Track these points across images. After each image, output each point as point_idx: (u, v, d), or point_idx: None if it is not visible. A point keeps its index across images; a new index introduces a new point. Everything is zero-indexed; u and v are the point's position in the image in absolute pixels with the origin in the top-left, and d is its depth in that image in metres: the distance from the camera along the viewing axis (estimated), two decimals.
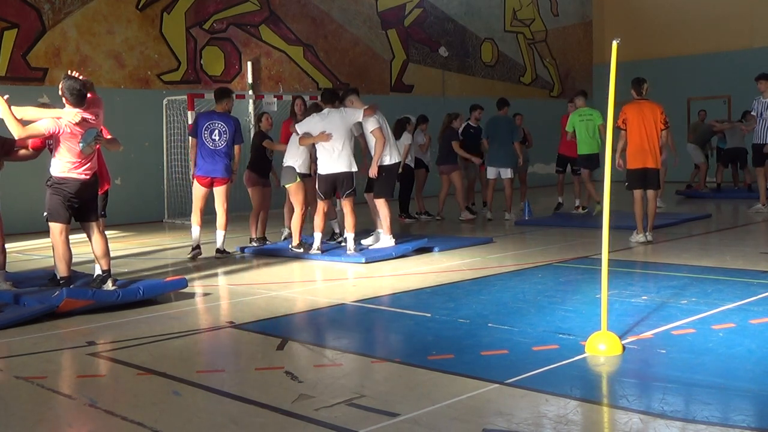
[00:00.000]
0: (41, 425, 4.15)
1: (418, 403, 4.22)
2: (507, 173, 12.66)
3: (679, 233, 10.73)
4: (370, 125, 9.36)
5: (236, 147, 9.42)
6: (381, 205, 9.52)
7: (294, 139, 9.44)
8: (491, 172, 12.78)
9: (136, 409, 4.27)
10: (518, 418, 3.99)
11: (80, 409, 4.35)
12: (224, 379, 4.80)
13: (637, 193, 9.79)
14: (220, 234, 9.53)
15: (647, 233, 9.75)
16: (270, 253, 9.72)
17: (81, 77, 6.78)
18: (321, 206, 9.25)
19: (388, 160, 9.44)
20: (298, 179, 9.53)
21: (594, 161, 12.50)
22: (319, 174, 9.16)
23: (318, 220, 9.28)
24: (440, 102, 18.09)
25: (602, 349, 4.97)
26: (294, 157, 9.52)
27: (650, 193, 9.83)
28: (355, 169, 9.11)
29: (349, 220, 9.13)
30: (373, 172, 9.37)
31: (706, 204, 14.81)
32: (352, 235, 9.15)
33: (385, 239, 9.53)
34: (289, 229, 10.67)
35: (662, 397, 4.24)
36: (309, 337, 5.99)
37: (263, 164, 10.21)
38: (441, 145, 12.82)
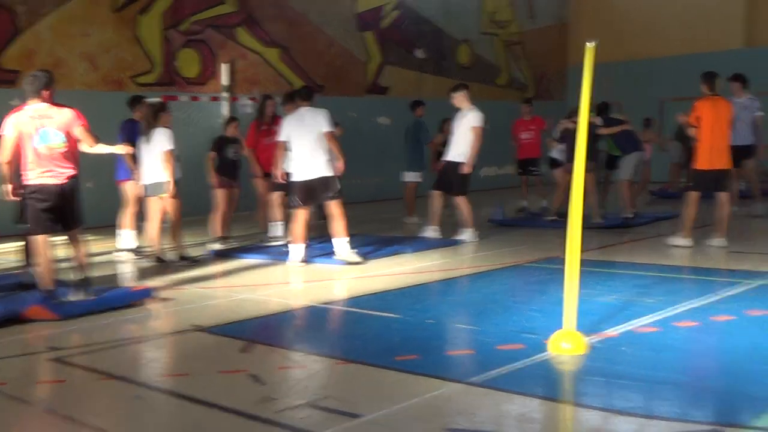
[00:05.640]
0: None
1: (381, 403, 4.22)
2: (406, 177, 12.91)
3: (648, 233, 10.79)
4: (474, 122, 10.03)
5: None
6: (462, 202, 10.24)
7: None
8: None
9: (96, 415, 4.25)
10: (480, 417, 4.00)
11: (38, 416, 4.32)
12: (188, 383, 4.77)
13: (697, 195, 9.34)
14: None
15: (718, 238, 9.30)
16: (237, 256, 9.66)
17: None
18: (300, 215, 8.83)
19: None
20: None
21: None
22: (292, 181, 8.84)
23: (298, 230, 8.81)
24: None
25: (566, 347, 5.00)
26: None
27: (723, 195, 9.28)
28: (332, 173, 8.76)
29: (338, 225, 8.76)
30: (467, 169, 10.09)
31: (678, 203, 14.86)
32: (344, 239, 8.78)
33: (467, 234, 10.26)
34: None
35: (623, 394, 4.27)
36: (274, 339, 5.95)
37: (226, 166, 10.40)
38: None
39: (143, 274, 8.73)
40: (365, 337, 5.83)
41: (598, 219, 11.37)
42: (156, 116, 9.14)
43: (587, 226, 11.14)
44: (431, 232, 10.47)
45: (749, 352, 4.92)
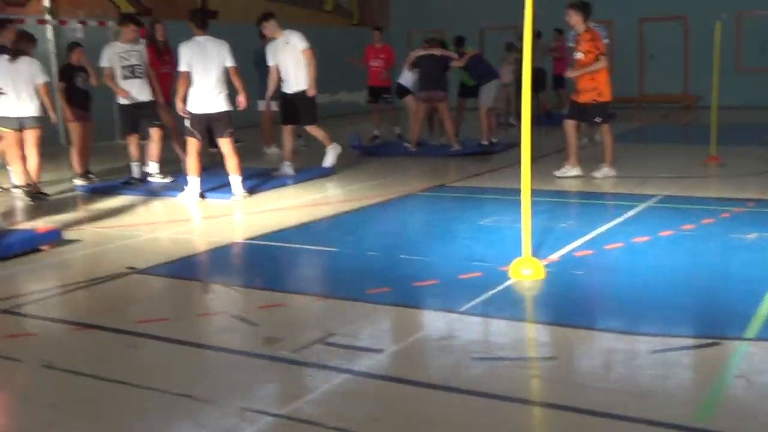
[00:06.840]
0: None
1: (391, 337, 4.32)
2: (260, 105, 12.32)
3: (508, 160, 11.18)
4: (302, 44, 9.53)
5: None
6: (314, 131, 9.93)
7: None
8: None
9: (99, 366, 3.99)
10: (497, 345, 4.20)
11: (39, 371, 4.00)
12: (174, 327, 4.58)
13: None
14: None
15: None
16: (105, 191, 9.24)
17: None
18: (195, 148, 8.51)
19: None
20: None
21: None
22: (191, 112, 8.41)
23: (194, 163, 8.54)
24: (243, 29, 17.60)
25: (527, 273, 5.26)
26: None
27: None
28: (230, 108, 8.54)
29: (232, 162, 8.53)
30: (312, 92, 9.64)
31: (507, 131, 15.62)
32: (239, 177, 8.59)
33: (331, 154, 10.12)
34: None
35: (604, 314, 4.62)
36: (225, 278, 5.79)
37: (78, 97, 9.81)
38: None
39: (23, 213, 8.16)
40: (320, 271, 5.83)
41: (456, 146, 11.76)
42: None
43: (446, 153, 11.65)
44: (286, 168, 9.96)
45: (692, 269, 5.42)
